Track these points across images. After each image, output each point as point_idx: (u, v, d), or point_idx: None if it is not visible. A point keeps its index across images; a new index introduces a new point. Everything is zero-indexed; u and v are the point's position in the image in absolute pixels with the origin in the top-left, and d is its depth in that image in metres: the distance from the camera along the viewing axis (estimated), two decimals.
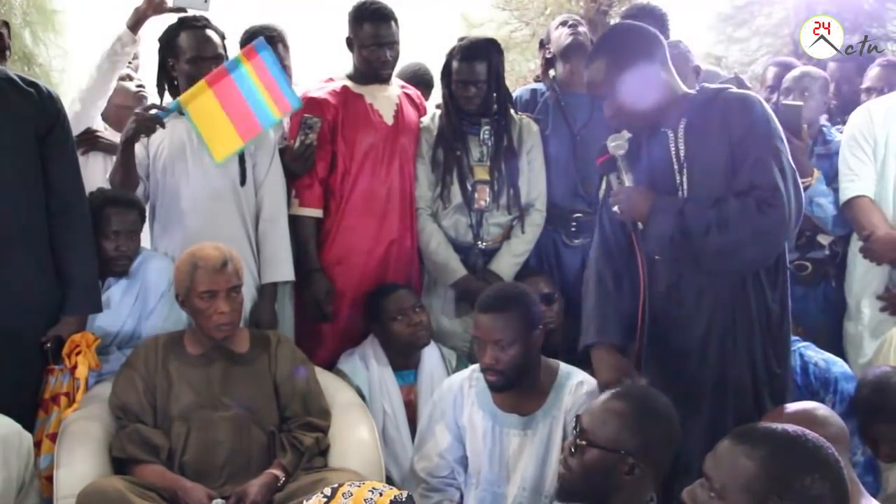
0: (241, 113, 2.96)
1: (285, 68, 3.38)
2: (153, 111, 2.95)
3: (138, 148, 3.06)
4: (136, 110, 2.99)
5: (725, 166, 2.27)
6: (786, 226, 2.24)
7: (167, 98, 3.16)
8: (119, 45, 3.10)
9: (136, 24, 3.10)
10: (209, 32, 3.07)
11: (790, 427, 1.59)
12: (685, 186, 2.33)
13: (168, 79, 3.14)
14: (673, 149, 2.34)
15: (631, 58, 2.31)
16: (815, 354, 2.74)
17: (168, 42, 3.09)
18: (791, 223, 2.25)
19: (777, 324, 2.36)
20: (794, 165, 2.29)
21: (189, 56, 3.03)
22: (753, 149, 2.24)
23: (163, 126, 2.95)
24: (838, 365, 2.73)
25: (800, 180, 2.32)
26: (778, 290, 2.35)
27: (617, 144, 2.38)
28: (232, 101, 2.94)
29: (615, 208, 2.38)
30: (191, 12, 3.08)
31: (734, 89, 2.38)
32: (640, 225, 2.36)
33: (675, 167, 2.34)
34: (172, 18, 3.12)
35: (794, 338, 2.76)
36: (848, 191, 3.22)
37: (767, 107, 2.33)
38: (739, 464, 1.52)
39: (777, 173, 2.22)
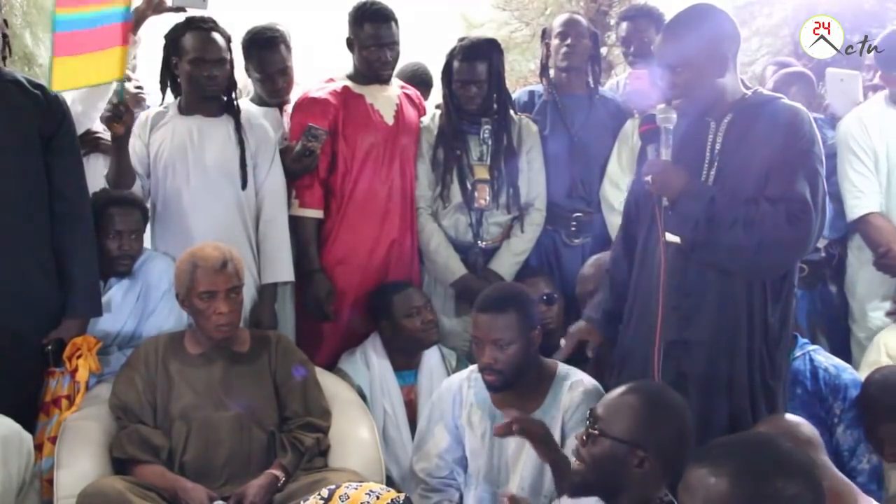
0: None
1: (286, 69, 3.39)
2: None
3: (139, 146, 3.07)
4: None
5: (757, 172, 2.25)
6: (808, 241, 2.24)
7: (169, 96, 3.17)
8: None
9: (135, 24, 3.09)
10: (214, 35, 3.06)
11: (748, 435, 1.59)
12: (710, 180, 2.31)
13: (171, 77, 3.14)
14: (710, 140, 2.32)
15: (701, 41, 2.28)
16: (825, 360, 2.72)
17: (173, 41, 3.09)
18: (811, 243, 2.25)
19: (774, 338, 2.33)
20: (826, 190, 2.28)
21: (192, 57, 3.03)
22: (792, 161, 2.22)
23: (124, 106, 2.85)
24: (848, 372, 2.70)
25: (828, 204, 2.30)
26: (780, 304, 2.33)
27: (666, 117, 2.32)
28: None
29: (647, 178, 2.34)
30: (190, 12, 3.06)
31: (787, 101, 2.36)
32: (665, 201, 2.33)
33: (707, 158, 2.32)
34: (173, 19, 3.11)
35: (803, 340, 2.76)
36: (856, 209, 3.17)
37: (815, 127, 2.31)
38: (710, 485, 1.50)
39: (809, 191, 2.21)
